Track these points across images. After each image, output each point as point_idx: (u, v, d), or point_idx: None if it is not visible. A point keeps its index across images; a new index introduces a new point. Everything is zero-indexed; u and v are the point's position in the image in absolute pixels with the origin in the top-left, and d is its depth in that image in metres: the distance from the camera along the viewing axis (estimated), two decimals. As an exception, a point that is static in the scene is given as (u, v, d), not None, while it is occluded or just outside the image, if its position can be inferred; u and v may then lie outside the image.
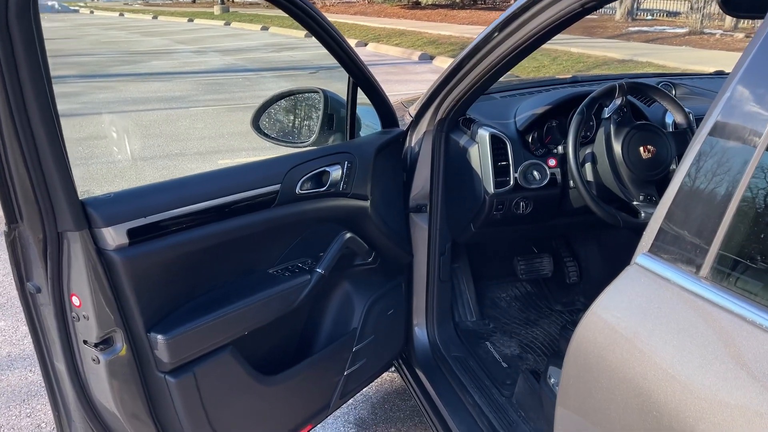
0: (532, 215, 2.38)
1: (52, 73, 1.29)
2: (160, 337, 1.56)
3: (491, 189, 2.27)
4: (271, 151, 2.09)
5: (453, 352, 2.57)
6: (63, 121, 1.32)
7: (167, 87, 10.89)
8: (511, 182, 2.28)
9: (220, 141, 7.52)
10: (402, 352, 2.56)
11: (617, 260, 2.84)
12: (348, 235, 2.05)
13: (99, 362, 1.52)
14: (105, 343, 1.51)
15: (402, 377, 2.62)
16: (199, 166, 6.44)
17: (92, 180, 5.89)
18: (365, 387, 2.47)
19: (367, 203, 2.10)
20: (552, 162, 2.33)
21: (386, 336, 2.40)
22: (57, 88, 1.29)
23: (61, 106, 1.31)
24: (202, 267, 1.72)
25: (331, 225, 2.06)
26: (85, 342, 1.52)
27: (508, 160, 2.28)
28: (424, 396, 2.43)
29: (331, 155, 1.98)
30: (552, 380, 2.05)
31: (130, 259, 1.49)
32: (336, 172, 1.98)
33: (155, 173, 6.24)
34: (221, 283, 1.78)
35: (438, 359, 2.53)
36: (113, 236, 1.46)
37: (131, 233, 1.49)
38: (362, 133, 2.41)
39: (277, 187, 1.81)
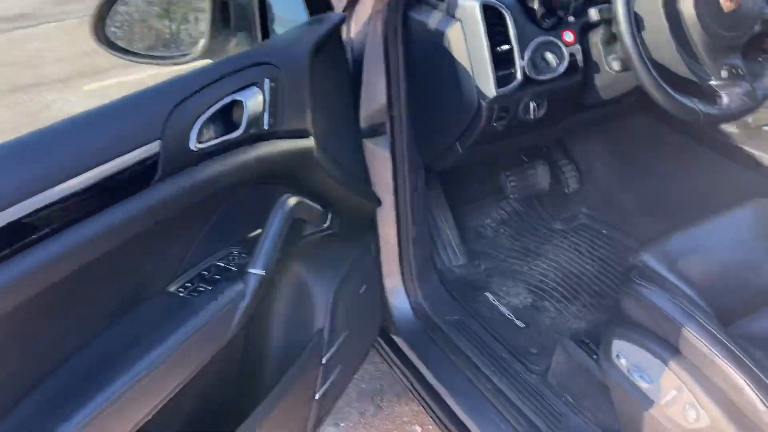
0: (545, 118, 1.65)
1: None
2: None
3: (491, 90, 1.50)
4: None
5: (447, 315, 1.90)
6: None
7: (4, 4, 9.05)
8: (519, 75, 1.51)
9: (83, 61, 6.20)
10: (381, 330, 1.86)
11: (622, 155, 2.17)
12: (292, 200, 1.26)
13: None
14: None
15: (385, 360, 1.93)
16: (62, 96, 5.25)
17: None
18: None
19: (311, 142, 1.29)
20: (569, 37, 1.56)
21: (363, 324, 1.68)
22: None
23: None
24: (44, 320, 0.90)
25: (262, 190, 1.25)
26: None
27: (510, 43, 1.50)
28: (422, 384, 1.77)
29: (238, 73, 1.14)
30: (623, 360, 1.40)
31: None
32: (253, 101, 1.14)
33: (7, 112, 5.02)
34: (85, 340, 0.97)
35: (429, 328, 1.85)
36: None
37: None
38: (278, 30, 1.55)
39: (155, 146, 0.98)
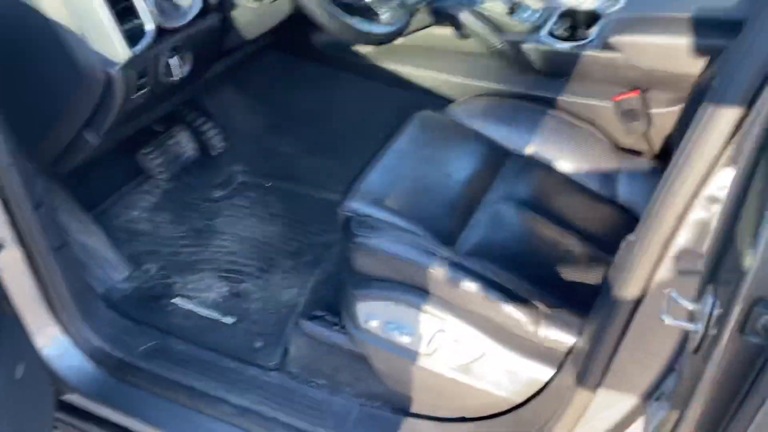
0: (190, 74, 1.32)
1: None
2: None
3: (122, 51, 1.11)
4: None
5: (137, 346, 1.51)
6: None
7: None
8: (149, 25, 1.14)
9: None
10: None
11: (263, 99, 1.99)
12: None
13: None
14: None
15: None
16: None
17: None
18: None
19: None
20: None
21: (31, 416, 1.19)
22: None
23: None
24: None
25: None
26: None
27: (125, -15, 1.11)
28: None
29: None
30: (373, 322, 1.27)
31: None
32: None
33: None
34: None
35: (122, 372, 1.45)
36: None
37: None
38: None
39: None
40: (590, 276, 1.28)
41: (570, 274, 1.27)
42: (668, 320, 0.73)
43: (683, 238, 0.74)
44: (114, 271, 1.70)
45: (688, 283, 0.76)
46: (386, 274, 1.24)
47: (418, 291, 1.21)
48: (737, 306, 0.63)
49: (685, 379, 0.76)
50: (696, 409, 0.73)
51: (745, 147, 0.65)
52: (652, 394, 0.86)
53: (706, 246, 0.73)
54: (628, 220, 1.46)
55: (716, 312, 0.68)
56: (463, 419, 1.26)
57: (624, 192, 1.50)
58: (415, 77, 1.78)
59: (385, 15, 1.27)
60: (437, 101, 1.77)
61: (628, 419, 0.89)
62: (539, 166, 1.51)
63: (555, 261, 1.29)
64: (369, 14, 1.27)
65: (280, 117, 2.00)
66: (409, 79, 1.79)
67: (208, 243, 1.83)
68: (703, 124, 0.67)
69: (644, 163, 1.54)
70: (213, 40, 1.33)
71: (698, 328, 0.71)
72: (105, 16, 1.07)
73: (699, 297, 0.74)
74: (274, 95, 1.98)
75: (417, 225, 1.29)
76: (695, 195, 0.70)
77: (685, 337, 0.80)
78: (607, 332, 0.84)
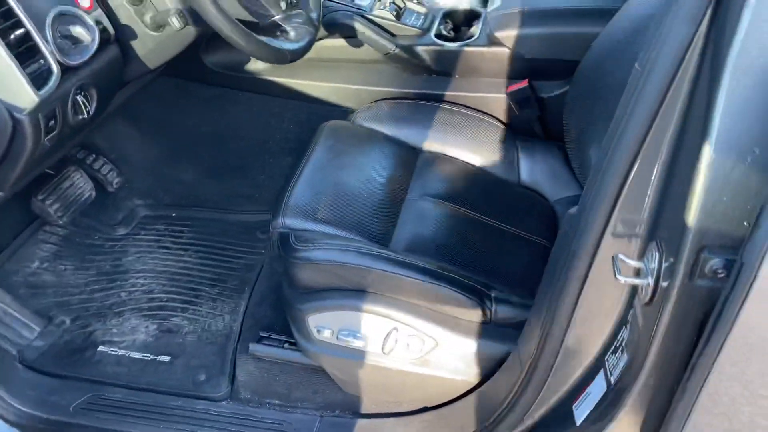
0: (96, 110, 1.27)
1: None
2: None
3: (29, 96, 1.05)
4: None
5: (70, 403, 1.43)
6: None
7: None
8: (54, 66, 1.09)
9: None
10: None
11: (156, 128, 1.94)
12: None
13: None
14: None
15: None
16: None
17: None
18: None
19: None
20: (85, 2, 1.19)
21: None
22: None
23: None
24: None
25: None
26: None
27: (23, 24, 1.05)
28: None
29: None
30: (326, 332, 1.29)
31: None
32: None
33: None
34: None
35: None
36: None
37: None
38: None
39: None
40: (520, 253, 1.38)
41: (500, 254, 1.37)
42: (622, 279, 0.83)
43: (623, 205, 0.84)
44: (24, 329, 1.58)
45: (631, 245, 0.86)
46: (331, 284, 1.26)
47: (365, 294, 1.25)
48: (684, 255, 0.72)
49: (640, 330, 0.86)
50: (655, 355, 0.83)
51: (677, 108, 0.75)
52: (608, 349, 0.96)
53: (645, 208, 0.83)
54: (536, 199, 1.59)
55: (665, 265, 0.77)
56: (425, 409, 1.31)
57: (526, 174, 1.63)
58: (312, 89, 1.81)
59: (292, 33, 1.28)
60: (337, 111, 1.81)
61: (590, 375, 0.98)
62: (447, 160, 1.60)
63: (484, 244, 1.38)
64: (277, 33, 1.28)
65: (177, 144, 1.95)
66: (306, 91, 1.81)
67: (121, 284, 1.75)
68: (635, 98, 0.77)
69: (541, 146, 1.67)
70: (114, 73, 1.28)
71: (649, 281, 0.81)
72: (7, 58, 1.01)
73: (643, 255, 0.84)
74: (169, 122, 1.92)
75: (351, 231, 1.32)
76: (632, 164, 0.79)
77: (633, 293, 0.90)
78: (562, 300, 0.93)
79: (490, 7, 1.69)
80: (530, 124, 1.69)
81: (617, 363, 0.92)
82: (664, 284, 0.78)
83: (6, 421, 1.39)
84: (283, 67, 1.79)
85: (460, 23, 1.80)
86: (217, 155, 1.95)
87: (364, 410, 1.36)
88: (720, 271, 0.71)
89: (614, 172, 0.81)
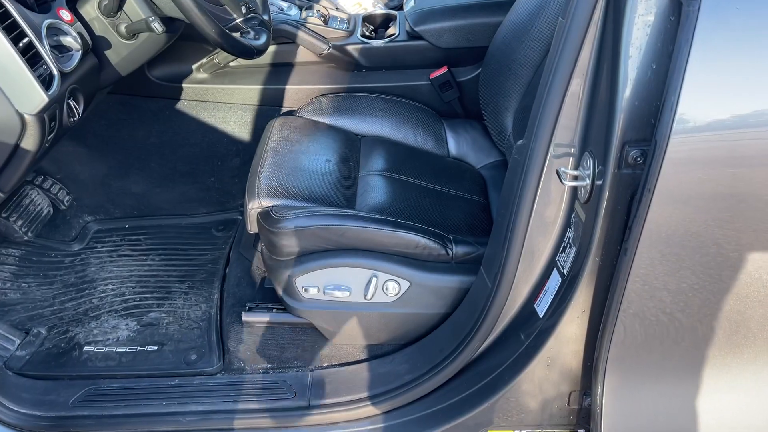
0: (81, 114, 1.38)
1: None
2: None
3: (39, 96, 1.16)
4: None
5: (69, 400, 1.51)
6: None
7: None
8: (55, 70, 1.21)
9: None
10: None
11: (101, 144, 2.03)
12: None
13: None
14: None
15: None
16: None
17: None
18: None
19: None
20: (66, 15, 1.32)
21: None
22: None
23: None
24: None
25: None
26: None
27: (26, 34, 1.17)
28: None
29: None
30: (312, 289, 1.47)
31: None
32: None
33: None
34: None
35: (65, 430, 1.45)
36: None
37: None
38: None
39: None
40: (462, 208, 1.62)
41: (447, 210, 1.60)
42: (567, 183, 1.08)
43: (559, 130, 1.09)
44: (4, 342, 1.62)
45: (569, 160, 1.12)
46: (313, 246, 1.44)
47: (345, 251, 1.44)
48: (612, 152, 0.99)
49: (583, 225, 1.13)
50: (596, 242, 1.09)
51: (593, 46, 1.01)
52: (558, 250, 1.21)
53: (576, 129, 1.09)
54: (464, 167, 1.85)
55: (598, 168, 1.04)
56: (405, 345, 1.51)
57: (453, 147, 1.89)
58: (254, 93, 1.98)
59: (252, 33, 1.47)
60: (278, 111, 2.00)
61: (546, 274, 1.23)
62: (387, 141, 1.83)
63: (432, 204, 1.61)
64: (239, 33, 1.46)
65: (126, 157, 2.04)
66: (249, 96, 1.98)
67: (90, 292, 1.82)
68: (562, 41, 1.02)
69: (463, 123, 1.94)
70: (94, 80, 1.40)
71: (587, 183, 1.07)
72: (20, 62, 1.12)
73: (578, 164, 1.10)
74: (116, 138, 2.01)
75: (321, 204, 1.51)
76: (564, 94, 1.05)
77: (573, 199, 1.16)
78: (519, 214, 1.17)
79: (407, 7, 1.95)
80: (452, 105, 1.96)
81: (567, 258, 1.18)
82: (599, 182, 1.04)
83: (6, 424, 1.43)
84: (225, 75, 1.96)
85: (377, 25, 2.05)
86: (166, 164, 2.06)
87: (350, 358, 1.53)
88: (638, 158, 0.98)
89: (551, 104, 1.07)
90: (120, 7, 1.36)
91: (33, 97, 1.16)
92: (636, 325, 1.12)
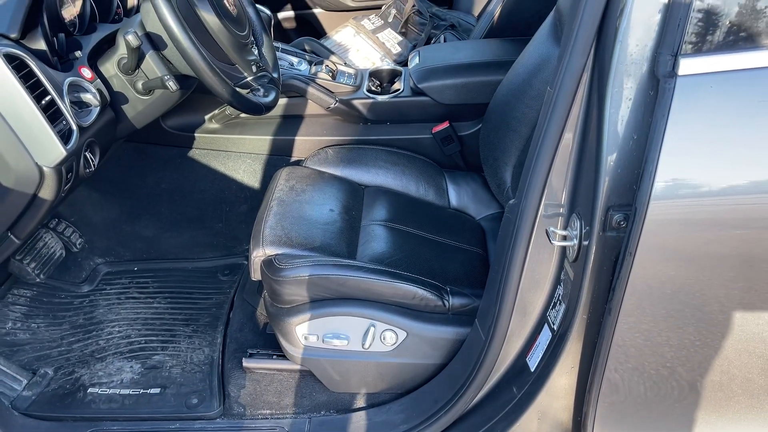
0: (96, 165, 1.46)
1: None
2: None
3: (58, 149, 1.24)
4: None
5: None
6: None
7: None
8: (74, 125, 1.29)
9: None
10: None
11: (113, 188, 2.11)
12: None
13: None
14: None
15: None
16: None
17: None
18: None
19: None
20: (87, 73, 1.40)
21: None
22: None
23: None
24: None
25: None
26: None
27: (49, 92, 1.25)
28: None
29: None
30: (312, 337, 1.51)
31: None
32: None
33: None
34: None
35: None
36: None
37: None
38: None
39: None
40: (461, 260, 1.67)
41: (446, 261, 1.65)
42: (556, 243, 1.13)
43: (548, 192, 1.15)
44: (12, 382, 1.67)
45: (558, 220, 1.17)
46: (313, 295, 1.49)
47: (344, 300, 1.48)
48: (597, 216, 1.04)
49: (571, 282, 1.17)
50: (584, 300, 1.13)
51: (579, 115, 1.07)
52: (549, 306, 1.25)
53: (564, 192, 1.14)
54: (465, 218, 1.90)
55: (585, 229, 1.09)
56: (401, 395, 1.54)
57: (454, 199, 1.94)
58: (263, 144, 2.06)
59: (261, 90, 1.54)
60: (286, 161, 2.07)
61: (537, 329, 1.27)
62: (389, 192, 1.89)
63: (431, 255, 1.66)
64: (248, 91, 1.54)
65: (137, 202, 2.11)
66: (258, 146, 2.06)
67: (98, 333, 1.87)
68: (550, 110, 1.08)
69: (464, 175, 2.00)
70: (111, 133, 1.48)
71: (574, 243, 1.12)
72: (41, 118, 1.20)
73: (567, 225, 1.15)
74: (129, 183, 2.09)
75: (322, 252, 1.56)
76: (553, 159, 1.10)
77: (563, 257, 1.21)
78: (511, 271, 1.21)
79: (411, 65, 2.04)
80: (453, 158, 2.02)
81: (557, 314, 1.22)
82: (585, 243, 1.09)
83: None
84: (236, 125, 2.04)
85: (383, 81, 2.13)
86: (176, 209, 2.13)
87: (347, 406, 1.56)
88: (622, 222, 1.03)
89: (540, 167, 1.12)
90: (138, 66, 1.44)
91: (52, 151, 1.23)
92: (620, 381, 1.15)
